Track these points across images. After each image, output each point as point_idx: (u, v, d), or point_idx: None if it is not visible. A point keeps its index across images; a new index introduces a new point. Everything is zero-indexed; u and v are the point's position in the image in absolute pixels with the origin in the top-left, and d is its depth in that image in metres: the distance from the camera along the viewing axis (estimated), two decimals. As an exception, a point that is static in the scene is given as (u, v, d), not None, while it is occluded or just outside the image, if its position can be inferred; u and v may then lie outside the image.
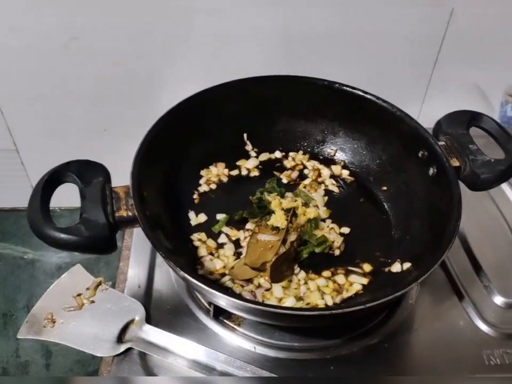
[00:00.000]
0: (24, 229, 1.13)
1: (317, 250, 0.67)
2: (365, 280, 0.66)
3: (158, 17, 0.82)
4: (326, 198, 0.76)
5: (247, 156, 0.81)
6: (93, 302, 0.65)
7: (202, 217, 0.73)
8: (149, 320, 0.64)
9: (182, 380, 0.58)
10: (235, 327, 0.65)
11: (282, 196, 0.74)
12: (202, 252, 0.68)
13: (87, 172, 0.60)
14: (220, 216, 0.72)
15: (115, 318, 0.63)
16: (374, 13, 0.83)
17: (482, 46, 0.88)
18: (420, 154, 0.69)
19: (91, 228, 0.54)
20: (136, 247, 0.75)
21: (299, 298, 0.63)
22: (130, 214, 0.57)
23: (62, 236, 0.52)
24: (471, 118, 0.70)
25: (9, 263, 1.12)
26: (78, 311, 0.64)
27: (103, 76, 0.89)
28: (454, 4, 0.83)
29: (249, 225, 0.71)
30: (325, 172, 0.80)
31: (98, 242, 0.55)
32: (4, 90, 0.92)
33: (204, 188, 0.77)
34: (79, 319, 0.63)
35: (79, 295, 0.65)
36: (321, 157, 0.82)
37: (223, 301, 0.54)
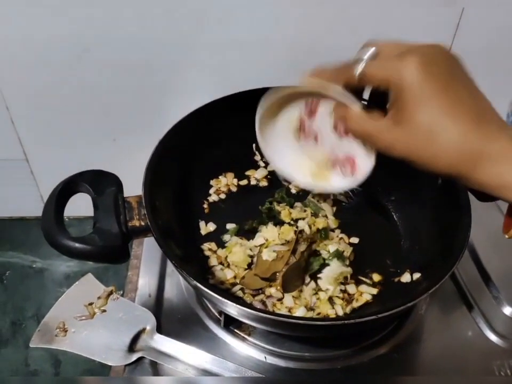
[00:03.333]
0: (32, 238, 1.13)
1: (331, 263, 0.68)
2: (374, 290, 0.66)
3: (168, 28, 0.83)
4: (335, 208, 0.77)
5: (256, 166, 0.82)
6: (104, 311, 0.65)
7: (212, 226, 0.73)
8: (159, 329, 0.64)
9: (185, 381, 0.59)
10: (245, 336, 0.65)
11: (292, 206, 0.75)
12: (213, 261, 0.68)
13: (100, 182, 0.60)
14: (230, 226, 0.73)
15: (126, 327, 0.64)
16: (382, 22, 0.83)
17: (488, 57, 0.89)
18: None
19: (104, 237, 0.55)
20: (146, 256, 0.76)
21: (309, 308, 0.64)
22: (143, 223, 0.58)
23: (77, 245, 0.53)
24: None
25: (18, 272, 1.12)
26: (90, 320, 0.64)
27: (113, 86, 0.90)
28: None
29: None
30: (334, 181, 0.80)
31: (111, 252, 0.55)
32: (15, 101, 0.93)
33: (213, 198, 0.77)
34: (91, 328, 0.63)
35: (90, 304, 0.66)
36: (330, 167, 0.82)
37: (234, 310, 0.54)
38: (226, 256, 0.69)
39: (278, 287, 0.64)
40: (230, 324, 0.66)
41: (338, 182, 0.54)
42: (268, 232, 0.70)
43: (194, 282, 0.53)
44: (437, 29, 0.85)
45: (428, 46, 0.41)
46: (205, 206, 0.76)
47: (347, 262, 0.69)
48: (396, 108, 0.41)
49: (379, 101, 0.45)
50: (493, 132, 0.38)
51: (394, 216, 0.76)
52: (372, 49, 0.43)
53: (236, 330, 0.66)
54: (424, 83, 0.39)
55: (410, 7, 0.82)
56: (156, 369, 0.62)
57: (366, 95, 0.49)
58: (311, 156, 0.56)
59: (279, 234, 0.69)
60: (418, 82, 0.39)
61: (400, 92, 0.40)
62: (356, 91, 0.46)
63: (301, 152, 0.56)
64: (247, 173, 0.81)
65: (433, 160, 0.40)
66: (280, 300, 0.64)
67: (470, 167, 0.38)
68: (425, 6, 0.82)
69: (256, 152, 0.82)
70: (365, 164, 0.51)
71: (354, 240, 0.72)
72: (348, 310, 0.64)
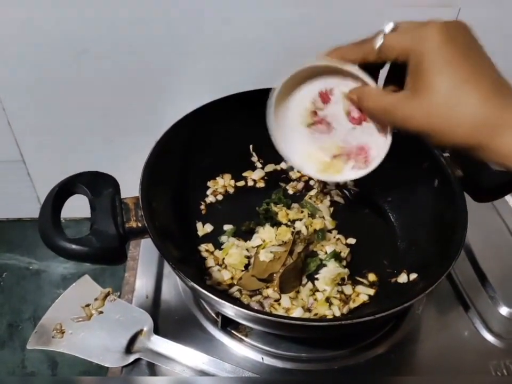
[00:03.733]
0: (29, 239, 1.13)
1: (328, 264, 0.68)
2: (371, 291, 0.66)
3: (165, 30, 0.83)
4: (332, 209, 0.77)
5: (253, 167, 0.82)
6: (101, 312, 0.65)
7: (209, 227, 0.73)
8: (157, 330, 0.64)
9: (181, 381, 0.59)
10: (242, 337, 0.65)
11: (289, 207, 0.75)
12: (210, 262, 0.68)
13: (97, 183, 0.60)
14: (227, 227, 0.73)
15: (123, 329, 0.64)
16: (379, 23, 0.83)
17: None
18: (424, 166, 0.70)
19: (102, 239, 0.55)
20: (143, 257, 0.76)
21: (307, 309, 0.64)
22: (140, 225, 0.58)
23: (74, 246, 0.53)
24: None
25: (15, 274, 1.12)
26: (87, 322, 0.64)
27: (110, 88, 0.90)
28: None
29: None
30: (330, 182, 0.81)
31: (108, 253, 0.55)
32: (12, 102, 0.93)
33: (210, 199, 0.77)
34: (88, 330, 0.63)
35: (87, 305, 0.66)
36: (326, 168, 0.83)
37: (231, 311, 0.54)
38: (224, 258, 0.69)
39: (275, 288, 0.64)
40: (227, 325, 0.66)
41: (350, 172, 0.55)
42: (265, 233, 0.70)
43: (192, 283, 0.53)
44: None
45: (444, 21, 0.40)
46: (202, 207, 0.76)
47: (344, 263, 0.69)
48: (414, 77, 0.40)
49: (396, 80, 0.45)
50: None
51: (391, 217, 0.76)
52: (391, 24, 0.43)
53: (233, 331, 0.66)
54: (445, 48, 0.38)
55: (406, 7, 0.83)
56: (153, 371, 0.62)
57: (382, 76, 0.48)
58: (323, 148, 0.56)
59: (276, 235, 0.69)
60: (439, 46, 0.38)
61: (420, 57, 0.39)
62: (373, 70, 0.46)
63: (313, 143, 0.56)
64: (244, 174, 0.81)
65: (453, 130, 0.39)
66: (277, 300, 0.64)
67: (489, 135, 0.38)
68: (421, 7, 0.82)
69: (253, 153, 0.82)
70: (377, 152, 0.52)
71: (351, 241, 0.72)
72: (344, 310, 0.64)
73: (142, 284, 0.72)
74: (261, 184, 0.80)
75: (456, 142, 0.39)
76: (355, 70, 0.46)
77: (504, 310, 0.69)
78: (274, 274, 0.65)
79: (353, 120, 0.51)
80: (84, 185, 0.59)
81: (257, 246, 0.69)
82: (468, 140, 0.39)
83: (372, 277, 0.68)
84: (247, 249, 0.69)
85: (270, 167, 0.82)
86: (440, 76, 0.38)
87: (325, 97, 0.52)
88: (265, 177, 0.81)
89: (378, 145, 0.52)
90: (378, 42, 0.43)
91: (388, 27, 0.43)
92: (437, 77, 0.39)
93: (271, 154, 0.81)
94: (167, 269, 0.74)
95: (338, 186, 0.80)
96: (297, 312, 0.63)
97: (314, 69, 0.50)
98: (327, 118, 0.54)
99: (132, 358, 0.61)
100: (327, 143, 0.55)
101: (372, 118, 0.48)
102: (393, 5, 0.82)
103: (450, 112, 0.39)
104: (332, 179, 0.58)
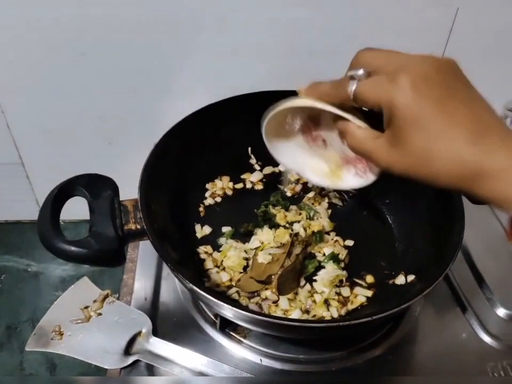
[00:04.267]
0: (28, 241, 1.13)
1: (326, 265, 0.68)
2: (369, 293, 0.66)
3: (164, 33, 0.83)
4: (330, 211, 0.77)
5: (251, 170, 0.82)
6: (100, 314, 0.65)
7: (207, 229, 0.74)
8: (155, 332, 0.64)
9: (179, 381, 0.59)
10: (241, 339, 0.65)
11: (287, 209, 0.75)
12: (209, 264, 0.69)
13: (96, 185, 0.60)
14: (225, 229, 0.73)
15: (122, 331, 0.64)
16: (377, 24, 0.84)
17: (482, 58, 0.90)
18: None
19: (101, 241, 0.55)
20: (141, 259, 0.76)
21: (305, 311, 0.64)
22: (138, 227, 0.58)
23: (73, 248, 0.53)
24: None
25: (13, 276, 1.12)
26: (86, 324, 0.64)
27: (109, 90, 0.90)
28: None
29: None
30: (328, 185, 0.81)
31: (107, 255, 0.56)
32: (11, 105, 0.93)
33: (209, 201, 0.78)
34: (87, 332, 0.63)
35: (86, 307, 0.66)
36: (324, 170, 0.83)
37: (230, 312, 0.55)
38: (222, 259, 0.69)
39: (274, 290, 0.64)
40: (226, 326, 0.66)
41: (351, 180, 0.54)
42: (263, 235, 0.70)
43: (190, 285, 0.53)
44: (431, 30, 0.86)
45: (420, 59, 0.39)
46: (201, 209, 0.77)
47: (342, 265, 0.69)
48: (391, 130, 0.40)
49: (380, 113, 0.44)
50: (493, 144, 0.37)
51: (389, 219, 0.76)
52: (361, 71, 0.42)
53: (231, 333, 0.66)
54: (417, 106, 0.38)
55: (404, 8, 0.83)
56: (151, 372, 0.62)
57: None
58: (323, 156, 0.55)
59: (274, 237, 0.70)
60: (410, 107, 0.38)
61: (393, 112, 0.39)
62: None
63: (312, 153, 0.56)
64: (243, 176, 0.81)
65: (434, 179, 0.39)
66: (275, 302, 0.64)
67: (470, 183, 0.38)
68: (419, 7, 0.83)
69: (252, 156, 0.82)
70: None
71: (349, 242, 0.73)
72: (342, 312, 0.64)
73: (141, 285, 0.72)
74: (259, 187, 0.81)
75: (440, 187, 0.40)
76: (336, 110, 0.45)
77: (501, 312, 0.69)
78: (273, 276, 0.65)
79: None
80: (83, 187, 0.60)
81: (256, 248, 0.69)
82: (450, 186, 0.39)
83: (369, 278, 0.68)
84: (245, 251, 0.70)
85: (268, 170, 0.82)
86: (414, 131, 0.38)
87: (315, 121, 0.52)
88: (264, 180, 0.81)
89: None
90: (352, 88, 0.41)
91: (359, 72, 0.41)
92: (411, 133, 0.38)
93: (269, 156, 0.82)
94: (166, 270, 0.74)
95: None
96: (295, 314, 0.63)
97: (299, 105, 0.49)
98: (322, 136, 0.54)
99: (130, 360, 0.61)
100: (325, 154, 0.55)
101: (356, 154, 0.47)
102: (390, 6, 0.83)
103: (429, 166, 0.39)
104: (335, 186, 0.57)
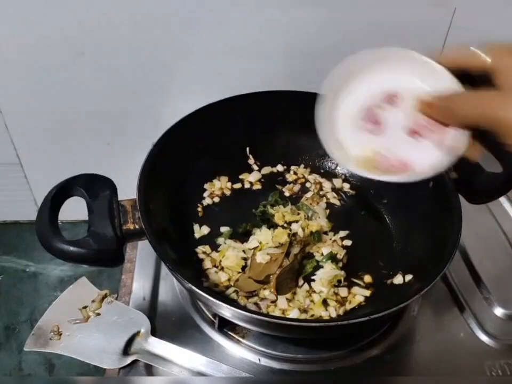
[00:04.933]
0: (26, 242, 1.13)
1: (324, 265, 0.69)
2: (367, 292, 0.67)
3: (162, 33, 0.83)
4: (328, 211, 0.77)
5: (249, 170, 0.82)
6: (98, 314, 0.65)
7: (205, 229, 0.74)
8: (154, 332, 0.64)
9: (177, 381, 0.59)
10: (239, 339, 0.66)
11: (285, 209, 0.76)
12: (207, 264, 0.69)
13: (94, 186, 0.61)
14: (224, 229, 0.73)
15: (121, 331, 0.64)
16: (375, 24, 0.84)
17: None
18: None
19: (99, 241, 0.55)
20: (140, 259, 0.76)
21: (303, 310, 0.64)
22: (137, 226, 0.58)
23: (71, 248, 0.53)
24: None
25: (12, 276, 1.12)
26: (84, 324, 0.64)
27: (107, 91, 0.90)
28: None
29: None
30: (326, 185, 0.81)
31: (106, 255, 0.56)
32: (9, 105, 0.93)
33: (207, 201, 0.78)
34: (85, 332, 0.63)
35: (84, 307, 0.66)
36: (322, 171, 0.83)
37: (228, 312, 0.55)
38: (221, 259, 0.69)
39: (272, 290, 0.64)
40: (224, 326, 0.66)
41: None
42: (261, 235, 0.70)
43: (189, 285, 0.53)
44: (429, 29, 0.86)
45: None
46: (199, 209, 0.77)
47: (340, 265, 0.69)
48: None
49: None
50: None
51: (387, 219, 0.76)
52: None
53: (230, 332, 0.66)
54: None
55: (402, 7, 0.83)
56: (150, 372, 0.62)
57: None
58: (362, 147, 0.52)
59: (272, 237, 0.70)
60: None
61: None
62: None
63: (354, 139, 0.52)
64: (241, 176, 0.81)
65: None
66: (274, 302, 0.64)
67: None
68: (417, 6, 0.83)
69: (250, 156, 0.82)
70: (422, 166, 0.49)
71: (347, 242, 0.73)
72: (341, 311, 0.64)
73: (139, 285, 0.72)
74: (257, 186, 0.81)
75: None
76: (445, 71, 0.44)
77: (498, 311, 0.70)
78: (271, 276, 0.65)
79: (413, 133, 0.48)
80: (81, 187, 0.60)
81: (254, 248, 0.69)
82: None
83: (367, 278, 0.68)
84: (243, 251, 0.70)
85: (266, 170, 0.82)
86: None
87: (391, 98, 0.49)
88: (262, 180, 0.82)
89: (423, 163, 0.48)
90: (487, 59, 0.42)
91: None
92: None
93: (267, 156, 0.83)
94: (164, 270, 0.74)
95: (335, 188, 0.81)
96: (293, 313, 0.63)
97: (390, 58, 0.47)
98: (382, 119, 0.50)
99: (129, 360, 0.61)
100: (366, 145, 0.51)
101: (461, 126, 0.45)
102: (388, 5, 0.83)
103: None
104: (369, 175, 0.52)
